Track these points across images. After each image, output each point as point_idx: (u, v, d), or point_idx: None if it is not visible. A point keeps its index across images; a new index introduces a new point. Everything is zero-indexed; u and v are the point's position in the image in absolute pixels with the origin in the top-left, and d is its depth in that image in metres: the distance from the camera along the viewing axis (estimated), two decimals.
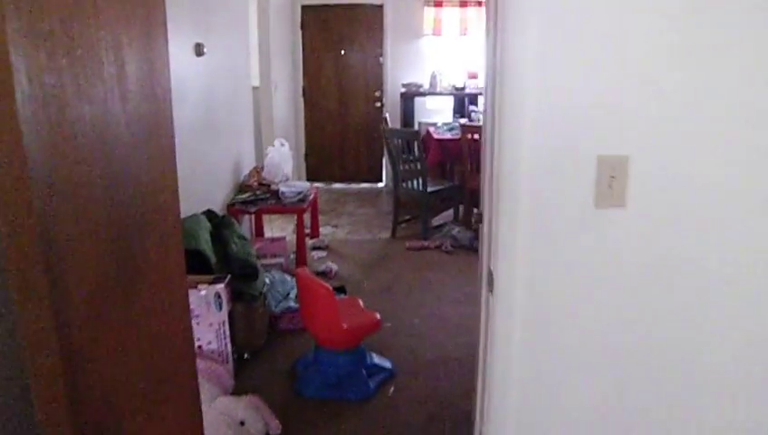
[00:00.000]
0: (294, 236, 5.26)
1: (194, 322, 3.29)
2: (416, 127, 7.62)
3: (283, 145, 5.35)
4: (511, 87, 1.62)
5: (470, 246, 5.49)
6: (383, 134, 5.83)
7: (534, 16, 1.56)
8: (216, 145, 4.55)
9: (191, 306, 3.41)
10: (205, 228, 3.59)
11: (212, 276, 3.39)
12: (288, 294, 4.15)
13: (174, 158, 1.60)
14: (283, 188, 4.90)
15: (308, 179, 8.11)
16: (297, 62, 7.82)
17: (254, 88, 6.38)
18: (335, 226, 6.29)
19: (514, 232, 1.69)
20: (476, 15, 7.54)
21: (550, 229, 1.69)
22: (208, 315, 3.27)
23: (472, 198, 6.20)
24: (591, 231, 1.68)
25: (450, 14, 7.59)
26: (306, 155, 8.10)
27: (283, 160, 5.29)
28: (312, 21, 7.79)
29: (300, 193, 4.89)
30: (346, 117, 8.06)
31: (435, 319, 4.21)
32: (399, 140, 5.77)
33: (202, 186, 4.15)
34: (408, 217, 6.16)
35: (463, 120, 6.53)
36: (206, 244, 3.47)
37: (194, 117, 4.04)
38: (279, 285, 4.15)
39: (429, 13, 7.61)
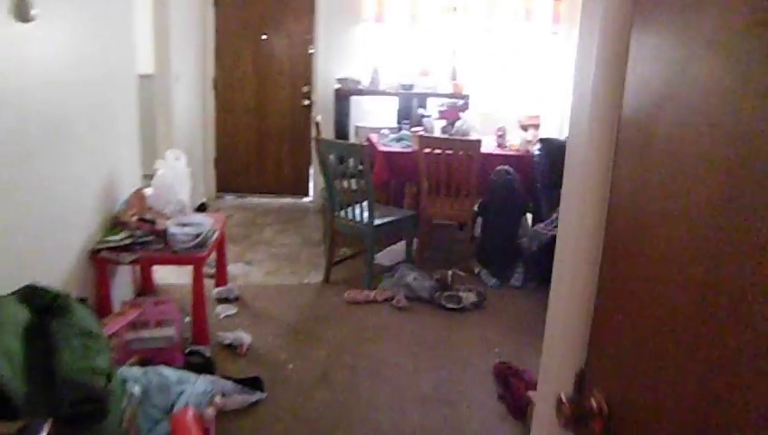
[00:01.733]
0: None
1: None
2: (351, 132, 6.14)
3: (177, 159, 3.74)
4: None
5: (430, 300, 4.08)
6: (317, 146, 4.31)
7: None
8: (64, 165, 2.91)
9: None
10: (9, 332, 1.98)
11: (18, 425, 1.81)
12: (172, 405, 2.59)
13: None
14: (173, 229, 3.30)
15: (218, 190, 6.47)
16: (207, 46, 6.15)
17: (145, 76, 4.71)
18: (249, 262, 4.72)
19: None
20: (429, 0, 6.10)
21: None
22: None
23: (431, 230, 4.79)
24: None
25: None
26: (216, 160, 6.44)
27: (178, 181, 3.69)
28: None
29: (198, 235, 3.31)
30: (266, 116, 6.45)
31: None
32: (338, 156, 4.27)
33: (24, 242, 2.52)
34: (345, 256, 4.68)
35: (417, 129, 5.08)
36: (7, 363, 1.88)
37: (13, 123, 2.40)
38: (156, 395, 2.58)
39: None
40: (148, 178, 3.78)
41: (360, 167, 4.08)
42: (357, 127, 6.04)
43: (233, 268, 4.49)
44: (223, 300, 4.01)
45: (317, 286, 4.33)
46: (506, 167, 4.53)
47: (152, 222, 3.40)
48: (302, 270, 4.60)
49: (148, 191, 3.63)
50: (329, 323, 3.79)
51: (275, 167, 6.56)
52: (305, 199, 6.58)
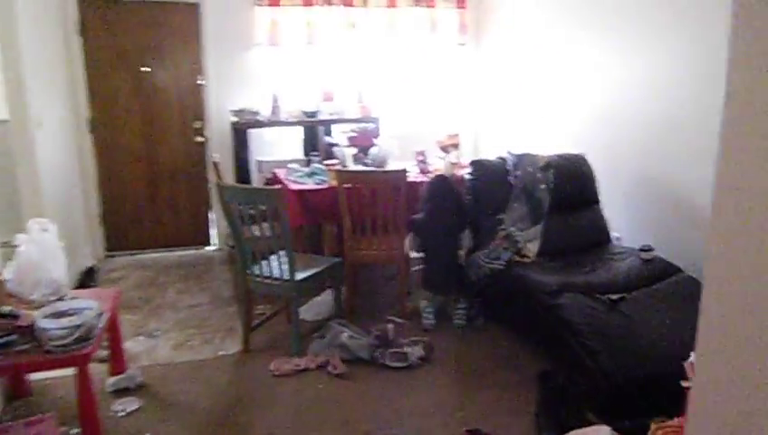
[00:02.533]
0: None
1: None
2: (253, 168, 5.45)
3: (45, 231, 2.95)
4: None
5: (371, 360, 3.47)
6: (220, 194, 3.60)
7: None
8: None
9: None
10: None
11: None
12: None
13: None
14: (43, 322, 2.52)
15: (108, 250, 5.57)
16: (77, 82, 5.27)
17: None
18: (153, 334, 3.93)
19: None
20: (326, 18, 5.53)
21: None
22: None
23: (356, 276, 4.20)
24: None
25: (291, 16, 5.49)
26: (102, 215, 5.54)
27: (49, 257, 2.90)
28: (98, 24, 5.29)
29: (79, 326, 2.54)
30: (156, 158, 5.62)
31: None
32: (246, 203, 3.58)
33: None
34: (264, 315, 3.99)
35: (332, 161, 4.46)
36: None
37: None
38: None
39: (263, 15, 5.46)
40: (10, 246, 2.96)
41: (270, 210, 3.42)
42: (259, 162, 5.38)
43: (132, 345, 3.71)
44: (122, 391, 3.23)
45: (236, 358, 3.61)
46: (443, 173, 4.04)
47: (13, 316, 2.60)
48: (216, 338, 3.87)
49: (6, 274, 2.82)
50: (257, 406, 3.09)
51: (172, 215, 5.74)
52: (208, 248, 5.80)
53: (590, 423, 2.73)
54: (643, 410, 2.82)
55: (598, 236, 4.07)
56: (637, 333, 3.02)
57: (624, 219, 4.20)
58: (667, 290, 3.36)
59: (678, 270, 3.52)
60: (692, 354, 1.68)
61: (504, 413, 2.96)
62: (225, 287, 4.74)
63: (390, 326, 3.58)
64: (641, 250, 3.66)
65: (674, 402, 2.82)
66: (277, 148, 5.56)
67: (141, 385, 3.28)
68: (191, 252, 5.71)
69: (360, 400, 3.13)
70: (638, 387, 2.76)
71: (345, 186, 3.87)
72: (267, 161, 5.25)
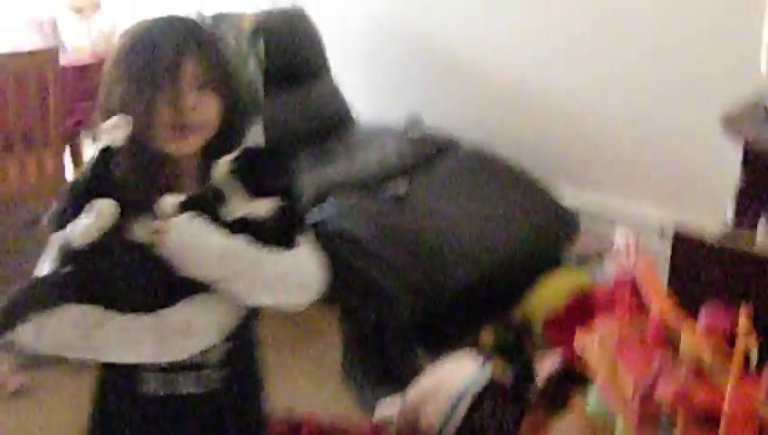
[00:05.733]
0: None
1: None
2: None
3: None
4: None
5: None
6: None
7: None
8: None
9: None
10: None
11: None
12: None
13: None
14: None
15: None
16: None
17: None
18: None
19: None
20: None
21: None
22: None
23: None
24: None
25: None
26: None
27: None
28: None
29: None
30: None
31: None
32: None
33: None
34: None
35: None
36: None
37: None
38: None
39: None
40: None
41: None
42: None
43: None
44: None
45: None
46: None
47: None
48: None
49: None
50: None
51: None
52: None
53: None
54: (467, 325, 2.89)
55: (337, 116, 3.97)
56: (436, 230, 3.01)
57: (362, 89, 4.18)
58: (452, 169, 3.44)
59: (456, 143, 3.62)
60: None
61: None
62: None
63: None
64: (407, 126, 3.67)
65: (500, 305, 2.96)
66: None
67: None
68: None
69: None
70: (459, 297, 2.80)
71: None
72: None
